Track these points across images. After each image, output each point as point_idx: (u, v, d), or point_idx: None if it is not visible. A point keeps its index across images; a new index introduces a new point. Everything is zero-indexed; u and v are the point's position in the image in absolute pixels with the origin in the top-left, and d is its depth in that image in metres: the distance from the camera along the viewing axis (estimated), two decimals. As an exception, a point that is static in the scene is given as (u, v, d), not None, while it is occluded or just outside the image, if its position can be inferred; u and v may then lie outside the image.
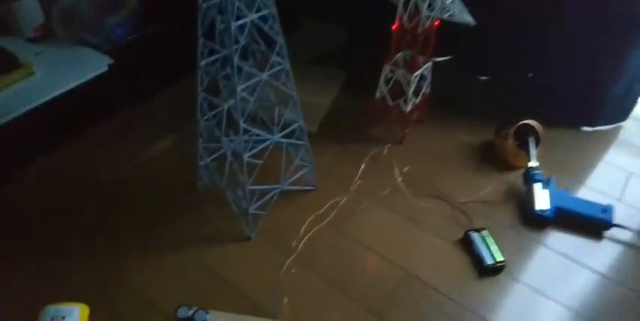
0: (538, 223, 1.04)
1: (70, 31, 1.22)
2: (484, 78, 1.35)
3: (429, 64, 1.13)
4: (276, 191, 1.00)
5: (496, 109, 1.24)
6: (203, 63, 0.89)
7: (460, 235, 1.01)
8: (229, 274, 0.92)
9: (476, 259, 0.96)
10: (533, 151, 1.13)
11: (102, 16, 1.21)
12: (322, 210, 1.03)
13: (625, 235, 1.02)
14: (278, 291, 0.87)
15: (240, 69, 0.86)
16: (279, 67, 0.89)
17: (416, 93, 1.16)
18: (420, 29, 1.04)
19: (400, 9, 1.04)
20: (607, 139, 1.25)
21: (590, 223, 1.03)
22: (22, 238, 0.98)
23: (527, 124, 1.16)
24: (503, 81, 1.31)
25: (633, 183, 1.13)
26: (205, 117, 0.97)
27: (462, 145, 1.22)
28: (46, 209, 1.04)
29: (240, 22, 0.81)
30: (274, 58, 0.88)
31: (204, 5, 0.82)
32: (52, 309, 0.81)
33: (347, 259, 0.96)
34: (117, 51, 1.19)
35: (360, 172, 1.12)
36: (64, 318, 0.80)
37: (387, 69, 1.15)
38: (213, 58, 0.89)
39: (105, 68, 1.15)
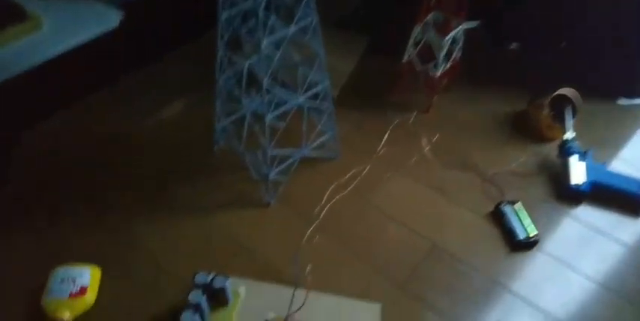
0: (573, 197, 1.00)
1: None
2: (516, 45, 1.29)
3: (462, 26, 1.07)
4: (297, 157, 0.96)
5: (529, 78, 1.19)
6: (224, 17, 0.84)
7: (490, 207, 0.97)
8: (248, 241, 0.89)
9: (507, 233, 0.93)
10: (569, 123, 1.08)
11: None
12: (344, 179, 0.99)
13: (664, 212, 0.98)
14: (300, 259, 0.84)
15: (265, 22, 0.81)
16: (308, 19, 0.83)
17: (446, 58, 1.10)
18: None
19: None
20: (646, 113, 1.20)
21: (627, 199, 0.99)
22: (32, 200, 0.95)
23: (564, 95, 1.11)
24: (537, 49, 1.25)
25: (674, 158, 1.09)
26: (225, 75, 0.92)
27: (492, 114, 1.16)
28: (55, 170, 1.00)
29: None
30: (303, 9, 0.83)
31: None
32: (62, 270, 0.79)
33: (371, 229, 0.92)
34: (129, 5, 1.12)
35: (384, 140, 1.08)
36: (74, 279, 0.78)
37: (416, 31, 1.09)
38: (235, 10, 0.84)
39: (116, 23, 1.10)
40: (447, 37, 1.05)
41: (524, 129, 1.12)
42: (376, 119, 1.13)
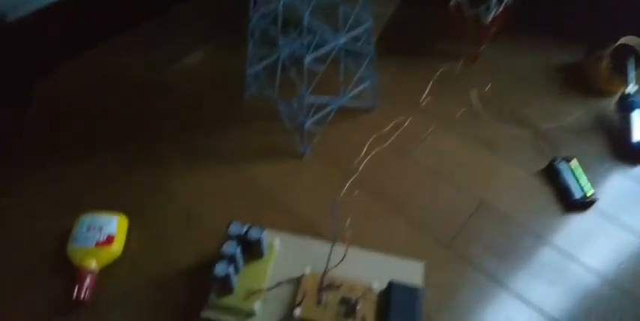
0: (633, 155, 0.92)
1: None
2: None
3: (517, -34, 0.98)
4: (334, 106, 0.90)
5: (588, 26, 1.09)
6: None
7: (543, 164, 0.90)
8: (282, 193, 0.84)
9: (562, 192, 0.86)
10: (632, 75, 0.99)
11: None
12: (384, 131, 0.93)
13: None
14: (338, 213, 0.78)
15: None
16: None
17: (498, 2, 1.01)
18: None
19: None
20: None
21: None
22: (54, 147, 0.90)
23: (627, 44, 1.02)
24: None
25: None
26: (259, 13, 0.85)
27: (546, 66, 1.08)
28: (77, 118, 0.95)
29: None
30: None
31: None
32: (89, 218, 0.75)
33: (414, 184, 0.87)
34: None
35: (426, 91, 1.01)
36: (101, 228, 0.74)
37: (466, -29, 1.00)
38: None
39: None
40: (501, -23, 0.96)
41: (581, 82, 1.04)
42: (418, 68, 1.05)
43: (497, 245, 0.79)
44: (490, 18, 1.00)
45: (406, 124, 0.95)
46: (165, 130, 0.94)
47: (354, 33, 0.83)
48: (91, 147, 0.91)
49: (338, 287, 0.71)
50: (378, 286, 0.71)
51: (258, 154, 0.91)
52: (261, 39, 0.89)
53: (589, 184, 0.86)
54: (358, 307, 0.68)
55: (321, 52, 0.81)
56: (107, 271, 0.73)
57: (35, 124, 0.95)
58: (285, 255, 0.75)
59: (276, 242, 0.76)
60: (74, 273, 0.71)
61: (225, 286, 0.68)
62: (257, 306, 0.68)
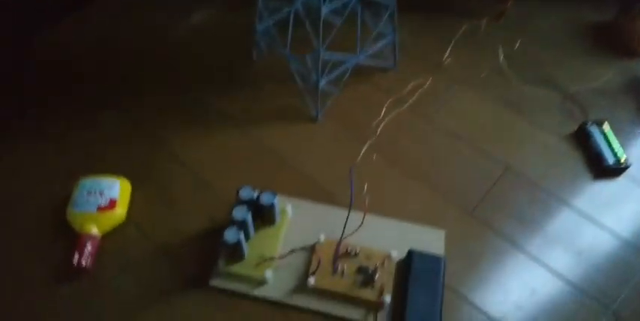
0: (669, 119, 0.87)
1: None
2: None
3: None
4: (351, 63, 0.82)
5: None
6: None
7: (571, 128, 0.83)
8: (294, 158, 0.78)
9: (593, 157, 0.80)
10: (670, 33, 0.92)
11: None
12: (404, 92, 0.85)
13: None
14: (355, 178, 0.72)
15: None
16: None
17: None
18: None
19: None
20: None
21: None
22: (53, 108, 0.84)
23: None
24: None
25: None
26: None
27: (576, 24, 1.00)
28: (78, 77, 0.89)
29: None
30: None
31: None
32: (90, 181, 0.70)
33: (435, 149, 0.80)
34: None
35: (448, 50, 0.92)
36: (102, 192, 0.68)
37: None
38: None
39: None
40: None
41: (613, 41, 0.95)
42: (440, 26, 0.97)
43: (523, 213, 0.73)
44: (518, -29, 0.92)
45: (427, 85, 0.87)
46: (170, 92, 0.87)
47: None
48: (91, 109, 0.84)
49: (355, 255, 0.66)
50: (397, 254, 0.66)
51: (269, 117, 0.84)
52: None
53: (621, 149, 0.80)
54: (376, 277, 0.63)
55: (339, 2, 0.74)
56: (111, 237, 0.68)
57: (34, 83, 0.88)
58: (299, 221, 0.70)
59: (288, 208, 0.70)
60: (75, 239, 0.66)
61: (235, 253, 0.63)
62: (268, 274, 0.63)
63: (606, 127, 0.82)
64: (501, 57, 0.91)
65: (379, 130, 0.80)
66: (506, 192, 0.76)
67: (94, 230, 0.66)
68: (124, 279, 0.65)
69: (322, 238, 0.67)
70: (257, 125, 0.83)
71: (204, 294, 0.64)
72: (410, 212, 0.72)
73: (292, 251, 0.65)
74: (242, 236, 0.61)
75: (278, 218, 0.68)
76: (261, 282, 0.64)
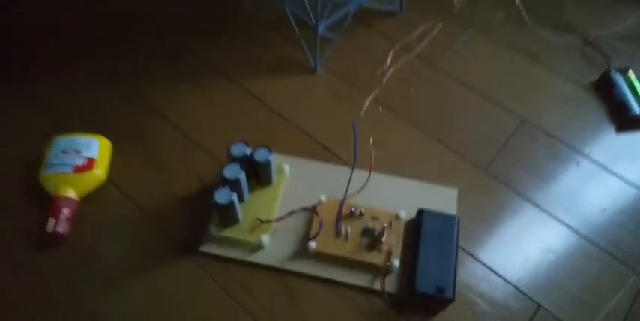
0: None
1: None
2: None
3: None
4: (353, 6, 0.72)
5: None
6: None
7: (593, 76, 0.74)
8: (292, 113, 0.70)
9: (617, 107, 0.71)
10: (703, -30, 0.82)
11: None
12: (411, 39, 0.76)
13: None
14: (359, 133, 0.64)
15: None
16: None
17: None
18: None
19: None
20: None
21: None
22: (27, 61, 0.74)
23: None
24: None
25: None
26: None
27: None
28: (58, 28, 0.78)
29: None
30: None
31: None
32: (65, 140, 0.61)
33: (446, 101, 0.72)
34: None
35: (458, -7, 0.84)
36: (79, 151, 0.60)
37: None
38: None
39: None
40: None
41: (639, -19, 0.87)
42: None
43: (541, 168, 0.66)
44: None
45: (436, 31, 0.77)
46: (154, 46, 0.77)
47: None
48: (69, 65, 0.75)
49: (359, 216, 0.58)
50: (406, 215, 0.58)
51: (263, 69, 0.75)
52: None
53: (649, 98, 0.72)
54: (383, 239, 0.56)
55: None
56: (90, 201, 0.61)
57: (9, 37, 0.79)
58: (298, 181, 0.62)
59: (286, 167, 0.62)
60: (50, 203, 0.58)
61: (228, 216, 0.56)
62: (265, 239, 0.56)
63: (631, 74, 0.73)
64: (515, 0, 0.82)
65: (384, 80, 0.71)
66: (522, 146, 0.68)
67: (71, 193, 0.58)
68: (106, 246, 0.58)
69: (323, 198, 0.60)
70: (250, 78, 0.74)
71: (194, 260, 0.57)
72: (419, 169, 0.65)
73: (291, 213, 0.58)
74: (235, 198, 0.54)
75: (275, 178, 0.61)
76: (257, 247, 0.57)
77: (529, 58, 0.76)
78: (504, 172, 0.66)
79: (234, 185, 0.54)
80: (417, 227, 0.57)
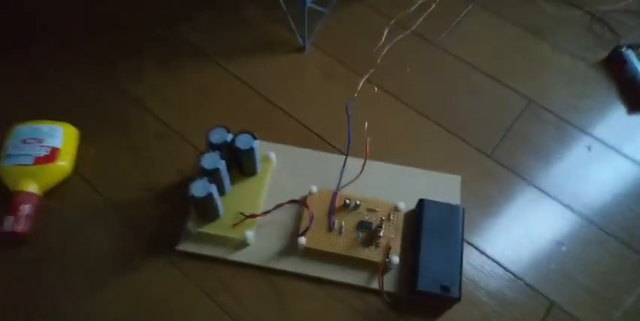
0: None
1: None
2: None
3: None
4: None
5: None
6: None
7: (601, 53, 0.67)
8: (280, 97, 0.63)
9: (628, 86, 0.64)
10: None
11: None
12: (408, 13, 0.69)
13: None
14: (352, 117, 0.58)
15: None
16: None
17: None
18: None
19: None
20: None
21: None
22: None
23: None
24: None
25: None
26: None
27: None
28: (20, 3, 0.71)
29: None
30: None
31: None
32: (26, 128, 0.54)
33: (446, 81, 0.65)
34: None
35: (457, -35, 0.76)
36: (41, 140, 0.53)
37: None
38: None
39: None
40: None
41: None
42: None
43: (549, 152, 0.59)
44: None
45: (434, 4, 0.70)
46: (128, 21, 0.69)
47: None
48: (37, 46, 0.66)
49: (354, 208, 0.52)
50: (406, 206, 0.52)
51: (246, 48, 0.67)
52: None
53: (662, 76, 0.66)
54: (381, 233, 0.50)
55: None
56: (54, 195, 0.54)
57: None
58: (285, 171, 0.55)
59: (272, 155, 0.55)
60: (8, 199, 0.51)
61: (206, 210, 0.49)
62: (250, 235, 0.49)
63: (643, 50, 0.68)
64: (520, -29, 0.75)
65: (379, 59, 0.65)
66: (529, 129, 0.61)
67: (32, 187, 0.51)
68: (72, 245, 0.51)
69: (314, 189, 0.53)
70: (232, 58, 0.66)
71: (170, 260, 0.50)
72: (418, 156, 0.58)
73: (278, 206, 0.51)
74: (214, 190, 0.47)
75: (260, 167, 0.54)
76: (241, 244, 0.50)
77: (534, 35, 0.69)
78: (511, 156, 0.59)
79: (213, 176, 0.47)
80: (418, 219, 0.51)
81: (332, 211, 0.51)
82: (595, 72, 0.67)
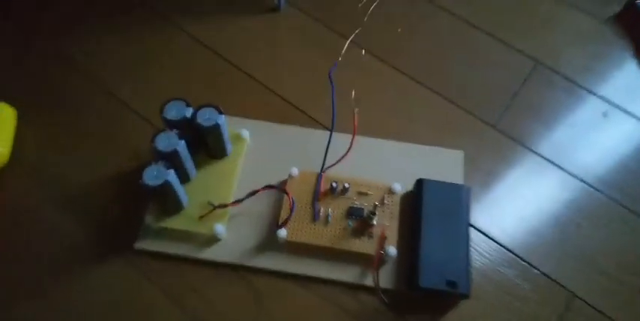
0: None
1: None
2: None
3: None
4: None
5: None
6: None
7: (614, 8, 0.58)
8: (252, 64, 0.53)
9: (646, 43, 0.58)
10: None
11: None
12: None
13: None
14: (337, 86, 0.46)
15: None
16: None
17: None
18: None
19: None
20: None
21: None
22: None
23: None
24: None
25: None
26: None
27: None
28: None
29: None
30: None
31: None
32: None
33: (443, 42, 0.56)
34: None
35: None
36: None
37: None
38: None
39: None
40: None
41: None
42: None
43: (561, 120, 0.51)
44: None
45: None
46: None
47: None
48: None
49: (343, 192, 0.43)
50: (401, 188, 0.44)
51: (213, 9, 0.57)
52: None
53: (683, 33, 0.57)
54: (374, 221, 0.41)
55: None
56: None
57: None
58: (260, 151, 0.46)
59: (245, 133, 0.46)
60: None
61: (166, 201, 0.40)
62: (220, 228, 0.41)
63: (663, 1, 0.59)
64: None
65: (366, 17, 0.54)
66: (537, 95, 0.52)
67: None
68: (12, 245, 0.42)
69: (295, 171, 0.44)
70: (194, 20, 0.56)
71: (128, 260, 0.42)
72: (413, 129, 0.49)
73: (253, 193, 0.42)
74: (172, 176, 0.38)
75: (230, 148, 0.45)
76: (211, 239, 0.41)
77: (540, -13, 0.60)
78: (518, 127, 0.50)
79: (170, 160, 0.38)
80: (417, 203, 0.43)
81: (316, 196, 0.43)
82: (607, 29, 0.58)
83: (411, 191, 0.44)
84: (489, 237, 0.45)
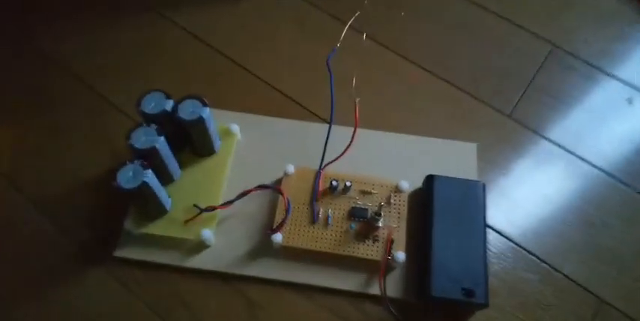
0: None
1: None
2: None
3: None
4: None
5: None
6: None
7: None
8: (240, 53, 0.48)
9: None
10: None
11: None
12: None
13: None
14: (335, 74, 0.42)
15: None
16: None
17: None
18: None
19: None
20: None
21: None
22: None
23: None
24: None
25: None
26: None
27: None
28: None
29: None
30: None
31: None
32: None
33: (452, 26, 0.50)
34: None
35: None
36: None
37: None
38: None
39: None
40: None
41: None
42: None
43: (580, 108, 0.45)
44: None
45: None
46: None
47: None
48: None
49: (344, 191, 0.38)
50: (409, 185, 0.39)
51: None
52: None
53: None
54: (380, 223, 0.37)
55: None
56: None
57: None
58: (253, 147, 0.41)
59: (235, 128, 0.41)
60: None
61: (147, 204, 0.35)
62: (207, 234, 0.36)
63: (689, -22, 0.54)
64: None
65: (367, 0, 0.51)
66: (555, 81, 0.47)
67: None
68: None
69: (291, 169, 0.39)
70: (179, 7, 0.51)
71: (107, 270, 0.37)
72: (422, 120, 0.44)
73: (244, 194, 0.37)
74: (151, 177, 0.33)
75: (218, 144, 0.40)
76: (198, 246, 0.37)
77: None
78: (535, 116, 0.45)
79: (149, 158, 0.33)
80: (427, 201, 0.38)
81: (314, 196, 0.38)
82: (627, 8, 0.53)
83: (419, 189, 0.39)
84: (506, 237, 0.40)
